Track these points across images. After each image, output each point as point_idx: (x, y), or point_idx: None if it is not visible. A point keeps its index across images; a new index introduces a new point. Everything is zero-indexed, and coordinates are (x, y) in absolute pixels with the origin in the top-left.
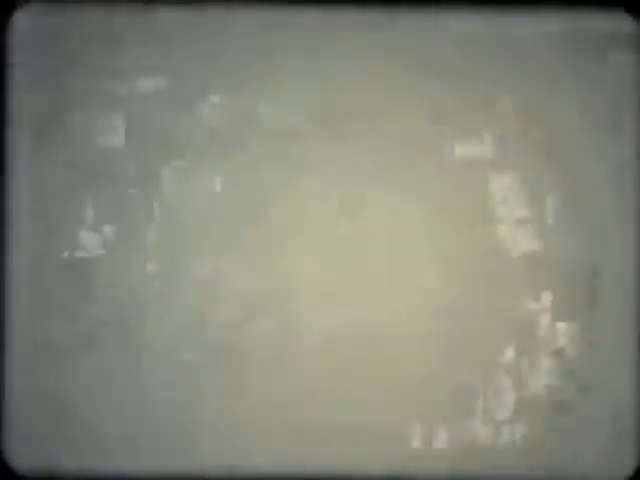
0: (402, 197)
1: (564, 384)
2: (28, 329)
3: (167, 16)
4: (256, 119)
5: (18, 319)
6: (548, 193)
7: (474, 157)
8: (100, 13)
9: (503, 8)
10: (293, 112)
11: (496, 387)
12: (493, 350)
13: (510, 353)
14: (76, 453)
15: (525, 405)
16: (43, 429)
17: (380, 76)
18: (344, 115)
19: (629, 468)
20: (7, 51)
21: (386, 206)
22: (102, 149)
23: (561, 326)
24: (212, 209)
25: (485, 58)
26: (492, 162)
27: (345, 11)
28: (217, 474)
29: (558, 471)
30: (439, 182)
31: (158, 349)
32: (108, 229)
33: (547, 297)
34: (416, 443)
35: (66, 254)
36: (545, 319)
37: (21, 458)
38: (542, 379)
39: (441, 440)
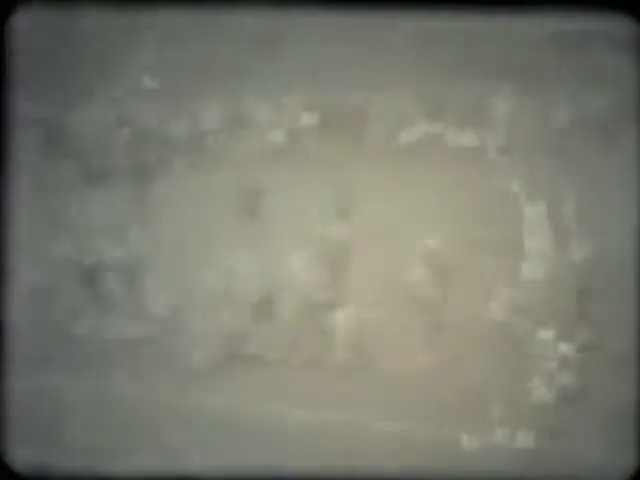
0: None
1: (564, 384)
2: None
3: (165, 16)
4: (253, 119)
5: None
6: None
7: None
8: (100, 13)
9: (503, 8)
10: (290, 112)
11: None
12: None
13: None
14: (75, 453)
15: (527, 408)
16: (43, 429)
17: (381, 77)
18: (344, 115)
19: (629, 468)
20: (7, 51)
21: None
22: (101, 147)
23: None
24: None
25: (483, 57)
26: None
27: (349, 12)
28: (217, 474)
29: (558, 471)
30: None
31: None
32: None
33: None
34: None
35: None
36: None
37: (21, 458)
38: (542, 380)
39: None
